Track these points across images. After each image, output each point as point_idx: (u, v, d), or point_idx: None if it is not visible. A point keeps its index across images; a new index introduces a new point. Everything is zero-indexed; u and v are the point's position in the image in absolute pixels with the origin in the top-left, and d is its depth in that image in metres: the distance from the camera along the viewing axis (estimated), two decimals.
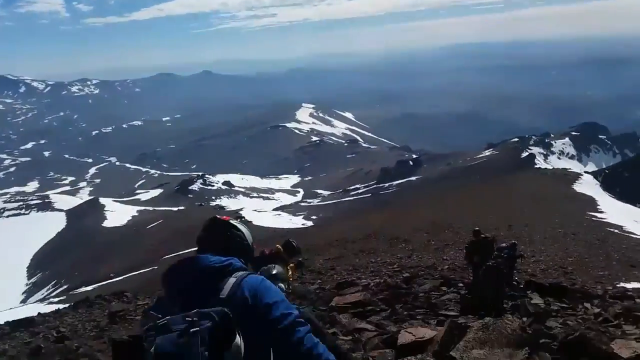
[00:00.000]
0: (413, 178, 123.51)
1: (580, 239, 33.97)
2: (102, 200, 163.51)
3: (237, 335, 1.95)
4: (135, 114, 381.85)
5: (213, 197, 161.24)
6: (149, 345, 1.84)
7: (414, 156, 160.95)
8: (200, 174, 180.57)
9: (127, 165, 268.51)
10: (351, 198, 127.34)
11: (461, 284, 13.28)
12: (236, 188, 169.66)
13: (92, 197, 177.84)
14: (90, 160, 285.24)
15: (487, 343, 5.37)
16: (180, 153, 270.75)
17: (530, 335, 6.28)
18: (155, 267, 79.58)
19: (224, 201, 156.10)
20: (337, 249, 33.12)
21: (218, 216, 2.62)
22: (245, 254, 2.48)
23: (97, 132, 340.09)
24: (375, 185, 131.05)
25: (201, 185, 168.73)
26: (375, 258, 27.01)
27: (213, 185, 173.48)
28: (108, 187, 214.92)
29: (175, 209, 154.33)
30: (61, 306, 29.30)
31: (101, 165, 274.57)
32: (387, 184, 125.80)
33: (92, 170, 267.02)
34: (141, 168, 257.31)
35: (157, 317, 2.02)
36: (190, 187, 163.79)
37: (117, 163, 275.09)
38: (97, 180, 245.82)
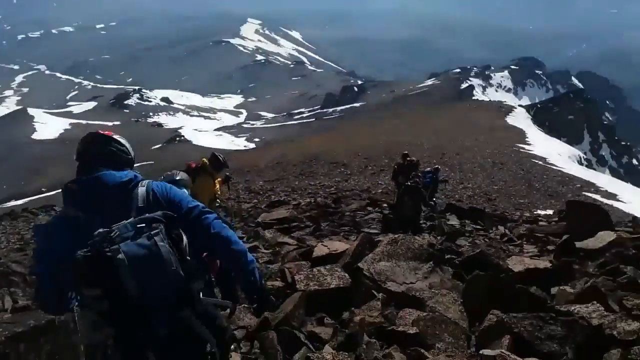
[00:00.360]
0: (357, 104, 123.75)
1: (506, 169, 36.19)
2: (31, 110, 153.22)
3: (183, 234, 2.13)
4: (66, 18, 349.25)
5: (150, 114, 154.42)
6: (114, 254, 1.89)
7: (359, 82, 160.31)
8: (136, 88, 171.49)
9: (58, 74, 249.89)
10: (295, 122, 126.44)
11: (386, 205, 13.90)
12: (175, 105, 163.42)
13: (20, 107, 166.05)
14: (16, 67, 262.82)
15: (394, 256, 5.71)
16: (115, 64, 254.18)
17: (436, 251, 6.74)
18: None
19: (162, 118, 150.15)
20: (278, 172, 33.41)
21: (100, 131, 2.54)
22: (130, 167, 2.49)
23: (23, 36, 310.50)
24: (319, 110, 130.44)
25: (138, 100, 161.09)
26: (314, 181, 27.55)
27: (150, 101, 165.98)
28: (37, 97, 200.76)
29: (110, 124, 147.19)
30: None
31: (29, 73, 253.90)
32: (331, 109, 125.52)
33: (19, 78, 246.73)
34: (73, 78, 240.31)
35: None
36: (126, 102, 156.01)
37: (47, 72, 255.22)
38: (25, 90, 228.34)
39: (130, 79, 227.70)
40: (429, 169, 15.23)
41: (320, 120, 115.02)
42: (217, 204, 6.88)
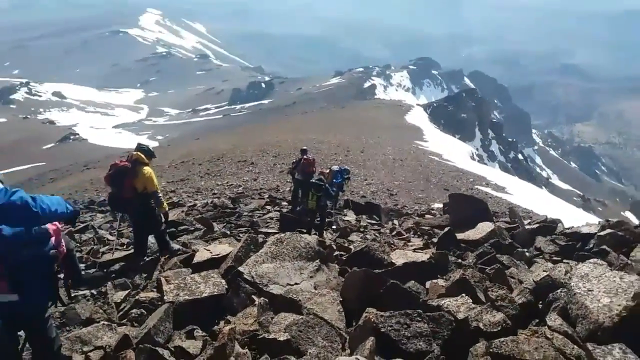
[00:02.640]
0: (265, 101, 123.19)
1: (406, 165, 37.86)
2: None
3: None
4: None
5: (41, 110, 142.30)
6: None
7: (267, 78, 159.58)
8: (24, 81, 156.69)
9: None
10: (201, 118, 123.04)
11: (285, 203, 13.76)
12: (69, 100, 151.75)
13: None
14: None
15: (279, 257, 5.52)
16: None
17: (325, 248, 6.67)
18: None
19: (55, 115, 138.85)
20: (182, 171, 31.92)
21: None
22: None
23: None
24: (226, 107, 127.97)
25: (26, 95, 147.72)
26: (222, 181, 26.68)
27: (40, 96, 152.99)
28: None
29: None
30: None
31: None
32: (238, 106, 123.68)
33: None
34: None
35: None
36: (12, 97, 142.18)
37: None
38: None
39: (17, 71, 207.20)
40: (337, 167, 15.25)
41: (227, 117, 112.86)
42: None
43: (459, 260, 5.54)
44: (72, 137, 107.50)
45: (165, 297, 4.45)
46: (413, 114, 79.13)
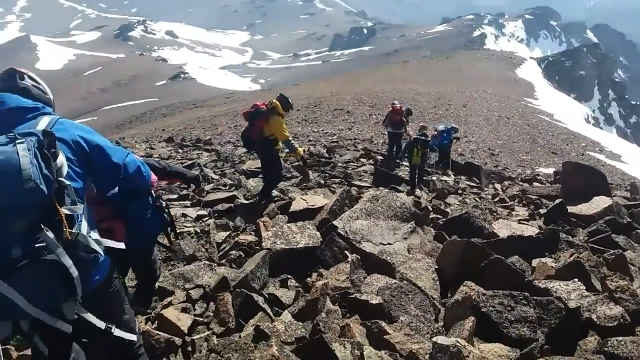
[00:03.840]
0: (365, 48, 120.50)
1: (512, 124, 35.54)
2: (34, 38, 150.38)
3: (61, 154, 2.05)
4: None
5: (155, 47, 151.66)
6: None
7: (369, 24, 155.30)
8: (141, 19, 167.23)
9: (61, 0, 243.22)
10: (301, 64, 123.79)
11: (380, 157, 13.51)
12: (180, 39, 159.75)
13: (23, 34, 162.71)
14: None
15: (373, 214, 5.42)
16: None
17: (421, 210, 6.45)
18: (95, 118, 76.71)
19: (167, 53, 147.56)
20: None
21: (16, 67, 2.39)
22: (48, 106, 2.35)
23: None
24: (326, 52, 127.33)
25: (142, 33, 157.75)
26: (317, 128, 26.91)
27: (155, 34, 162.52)
28: (40, 24, 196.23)
29: (115, 56, 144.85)
30: None
31: None
32: (338, 52, 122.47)
33: (21, 3, 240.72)
34: (76, 5, 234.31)
35: None
36: (130, 34, 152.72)
37: None
38: (27, 15, 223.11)
39: (135, 9, 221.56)
40: (443, 126, 14.55)
41: (327, 63, 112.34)
42: (280, 148, 7.16)
43: (570, 238, 5.04)
44: (182, 75, 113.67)
45: (263, 244, 4.57)
46: (525, 68, 73.13)
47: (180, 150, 18.67)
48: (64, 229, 1.96)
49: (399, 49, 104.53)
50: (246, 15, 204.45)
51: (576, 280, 3.61)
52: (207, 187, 8.47)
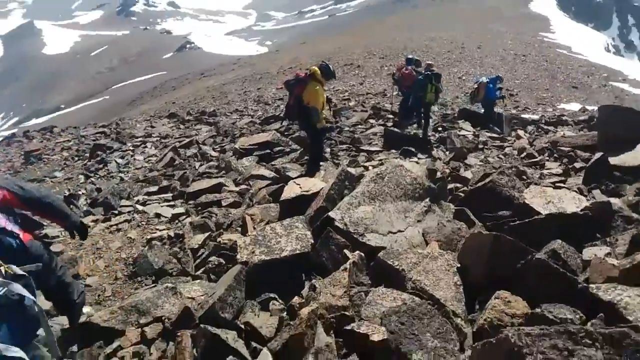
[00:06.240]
0: None
1: (529, 61, 33.87)
2: (38, 23, 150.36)
3: None
4: None
5: (158, 20, 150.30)
6: None
7: None
8: None
9: None
10: (307, 21, 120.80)
11: (391, 116, 12.37)
12: (182, 9, 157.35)
13: (27, 20, 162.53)
14: None
15: (378, 197, 4.49)
16: None
17: (437, 181, 5.49)
18: (107, 97, 76.48)
19: (170, 24, 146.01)
20: (291, 77, 31.50)
21: None
22: None
23: None
24: (331, 7, 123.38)
25: (144, 6, 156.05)
26: (328, 86, 25.82)
27: (157, 6, 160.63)
28: (42, 9, 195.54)
29: (120, 33, 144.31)
30: None
31: None
32: (344, 5, 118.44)
33: None
34: None
35: None
36: (132, 9, 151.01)
37: None
38: (29, 1, 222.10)
39: None
40: (486, 78, 13.18)
41: (333, 17, 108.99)
42: (324, 116, 7.05)
43: (625, 210, 3.97)
44: (188, 46, 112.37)
45: (237, 256, 3.69)
46: (539, 1, 69.18)
47: (181, 127, 17.85)
48: None
49: None
50: None
51: None
52: (201, 168, 7.68)
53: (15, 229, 2.68)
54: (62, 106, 79.95)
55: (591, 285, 2.74)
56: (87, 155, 13.60)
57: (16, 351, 1.92)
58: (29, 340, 2.17)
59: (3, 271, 2.06)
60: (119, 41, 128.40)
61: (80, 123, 26.73)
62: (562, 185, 5.56)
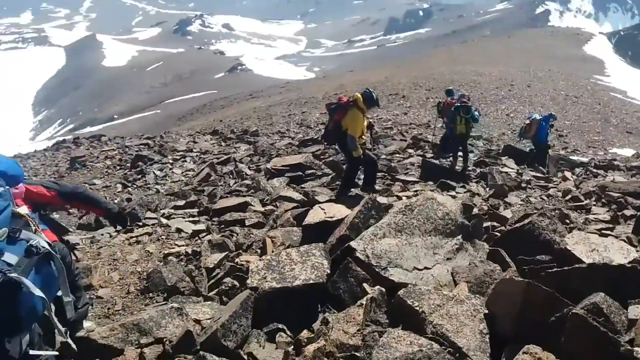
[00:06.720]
0: (422, 30, 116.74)
1: (581, 103, 32.82)
2: (100, 37, 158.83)
3: None
4: None
5: (213, 41, 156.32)
6: None
7: (425, 6, 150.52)
8: (198, 13, 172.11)
9: None
10: (356, 50, 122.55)
11: (428, 147, 12.05)
12: (236, 32, 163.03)
13: (89, 34, 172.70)
14: None
15: (405, 229, 4.24)
16: None
17: (472, 218, 5.18)
18: (159, 111, 79.51)
19: (224, 45, 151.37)
20: (333, 100, 31.80)
21: None
22: None
23: None
24: (381, 37, 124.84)
25: (200, 27, 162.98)
26: (371, 114, 25.82)
27: (212, 27, 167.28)
28: (104, 23, 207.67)
29: (175, 51, 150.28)
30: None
31: None
32: (393, 36, 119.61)
33: (87, 3, 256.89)
34: (137, 3, 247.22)
35: None
36: (188, 28, 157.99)
37: None
38: (93, 15, 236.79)
39: (192, 4, 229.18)
40: (539, 115, 12.84)
41: (381, 47, 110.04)
42: (362, 142, 6.95)
43: None
44: (239, 67, 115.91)
45: (248, 281, 3.51)
46: (593, 43, 67.52)
47: (222, 144, 18.12)
48: None
49: (457, 30, 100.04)
50: (300, 4, 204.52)
51: None
52: (234, 184, 7.63)
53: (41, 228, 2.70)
54: (116, 116, 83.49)
55: (636, 349, 2.39)
56: (129, 165, 13.92)
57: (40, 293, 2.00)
58: (53, 294, 2.25)
59: (34, 229, 2.22)
60: (174, 58, 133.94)
61: (130, 134, 27.72)
62: (609, 233, 5.13)
